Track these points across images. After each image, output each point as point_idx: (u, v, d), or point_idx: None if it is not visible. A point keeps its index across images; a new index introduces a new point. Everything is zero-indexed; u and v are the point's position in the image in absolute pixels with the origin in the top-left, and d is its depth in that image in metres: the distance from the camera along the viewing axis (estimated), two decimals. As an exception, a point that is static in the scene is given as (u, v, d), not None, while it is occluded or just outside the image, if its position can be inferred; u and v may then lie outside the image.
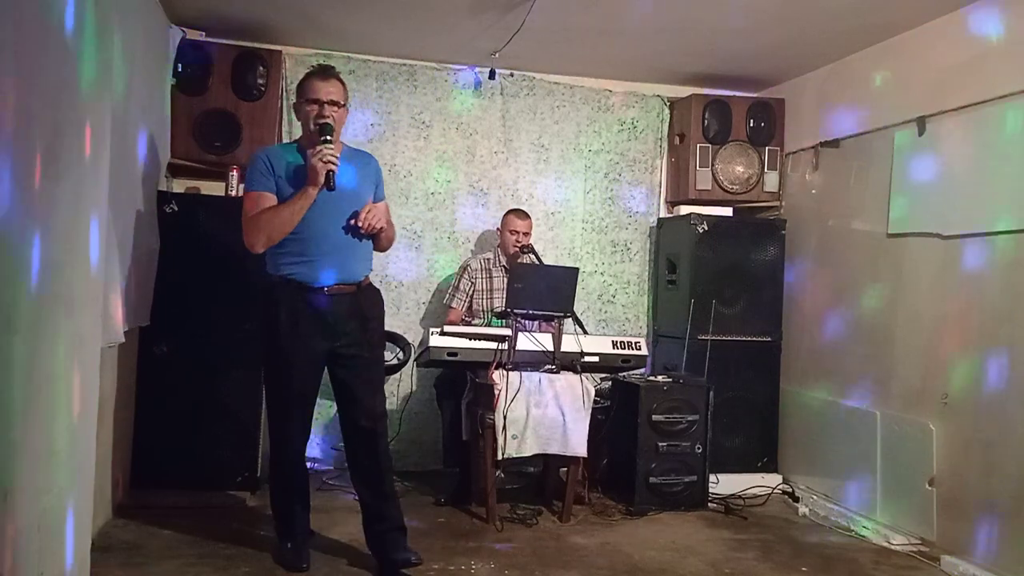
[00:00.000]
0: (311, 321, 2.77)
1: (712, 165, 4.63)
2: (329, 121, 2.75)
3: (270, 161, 2.82)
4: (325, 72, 2.87)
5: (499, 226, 4.33)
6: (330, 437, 4.45)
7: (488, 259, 4.27)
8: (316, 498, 3.83)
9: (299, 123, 4.26)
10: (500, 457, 3.52)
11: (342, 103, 2.85)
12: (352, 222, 2.80)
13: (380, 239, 2.93)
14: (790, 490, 4.33)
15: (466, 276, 4.22)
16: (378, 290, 3.01)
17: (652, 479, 3.91)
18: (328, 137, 2.70)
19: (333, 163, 2.66)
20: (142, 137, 3.41)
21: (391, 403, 2.88)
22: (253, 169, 2.82)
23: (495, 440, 3.51)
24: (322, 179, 2.65)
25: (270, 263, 2.85)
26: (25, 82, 1.64)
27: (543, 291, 3.72)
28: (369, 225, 2.78)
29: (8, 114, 1.57)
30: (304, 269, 2.78)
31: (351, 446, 2.96)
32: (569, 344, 3.75)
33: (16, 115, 1.60)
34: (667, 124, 4.94)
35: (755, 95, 4.85)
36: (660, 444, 3.92)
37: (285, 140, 4.43)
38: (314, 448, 4.44)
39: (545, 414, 3.59)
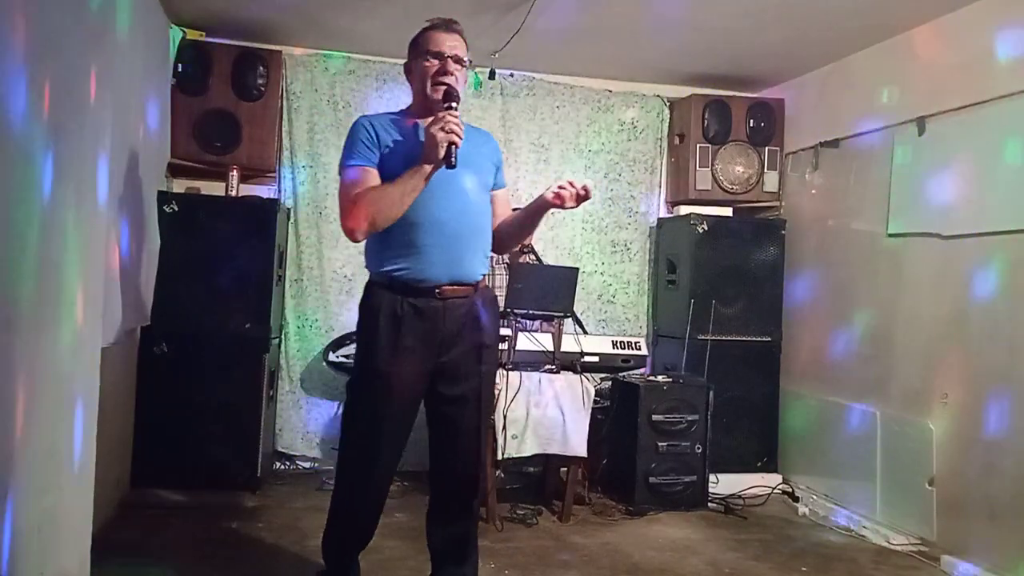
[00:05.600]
0: (416, 330, 2.28)
1: (712, 165, 4.63)
2: (454, 84, 2.28)
3: (374, 129, 2.31)
4: (447, 23, 2.35)
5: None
6: (329, 437, 4.46)
7: (491, 256, 4.27)
8: (316, 498, 3.87)
9: (299, 123, 4.44)
10: (500, 457, 3.52)
11: (467, 62, 2.36)
12: (556, 193, 2.28)
13: (514, 234, 2.50)
14: (790, 490, 4.33)
15: None
16: (495, 296, 2.53)
17: (652, 479, 3.91)
18: (453, 104, 2.22)
19: (457, 134, 2.15)
20: (142, 137, 3.41)
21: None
22: (354, 139, 2.30)
23: (495, 440, 3.51)
24: (442, 153, 2.14)
25: (371, 258, 2.37)
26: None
27: (543, 291, 3.72)
28: (576, 196, 2.28)
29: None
30: (412, 264, 2.28)
31: (439, 489, 2.50)
32: (569, 344, 3.75)
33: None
34: (667, 124, 4.94)
35: (755, 95, 4.85)
36: (660, 444, 3.92)
37: (285, 141, 4.45)
38: (314, 448, 4.45)
39: (545, 414, 3.59)
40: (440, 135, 2.14)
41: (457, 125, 2.16)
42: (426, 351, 2.31)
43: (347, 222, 2.25)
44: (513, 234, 2.52)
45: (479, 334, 2.37)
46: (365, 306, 2.36)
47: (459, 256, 2.32)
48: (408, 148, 2.28)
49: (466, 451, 2.44)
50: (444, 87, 2.27)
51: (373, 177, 2.27)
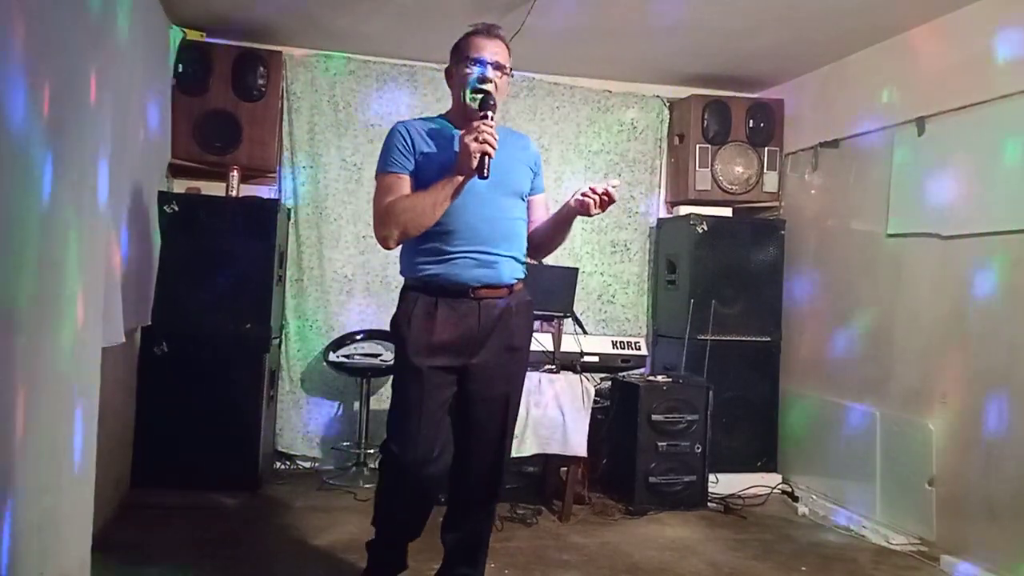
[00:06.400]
0: (450, 329, 2.30)
1: (712, 165, 4.63)
2: (491, 91, 2.25)
3: (410, 136, 2.32)
4: (488, 29, 2.33)
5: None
6: (330, 437, 4.46)
7: None
8: (316, 498, 3.87)
9: (299, 124, 4.44)
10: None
11: (509, 69, 2.34)
12: (580, 200, 2.28)
13: (546, 241, 2.48)
14: (789, 490, 4.33)
15: None
16: (531, 300, 2.50)
17: (652, 479, 3.91)
18: (489, 112, 2.19)
19: (491, 145, 2.13)
20: (142, 137, 3.41)
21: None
22: (389, 145, 2.33)
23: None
24: (475, 164, 2.13)
25: (405, 263, 2.40)
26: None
27: (543, 291, 3.72)
28: (601, 202, 2.26)
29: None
30: (445, 269, 2.29)
31: (457, 490, 2.52)
32: (569, 344, 3.76)
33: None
34: (667, 124, 4.93)
35: (754, 95, 4.85)
36: (660, 444, 3.92)
37: (285, 141, 4.46)
38: (314, 448, 4.45)
39: (545, 414, 3.59)
40: (473, 145, 2.12)
41: (492, 135, 2.13)
42: (458, 350, 2.32)
43: (380, 230, 2.28)
44: (545, 241, 2.51)
45: (510, 336, 2.37)
46: (401, 306, 2.38)
47: (492, 262, 2.32)
48: (444, 156, 2.27)
49: (489, 455, 2.43)
50: (482, 95, 2.26)
51: (407, 185, 2.29)
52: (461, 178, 2.19)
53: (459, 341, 2.31)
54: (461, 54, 2.35)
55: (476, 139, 2.12)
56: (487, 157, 2.14)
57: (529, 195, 2.48)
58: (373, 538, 2.59)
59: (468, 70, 2.30)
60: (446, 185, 2.19)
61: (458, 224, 2.27)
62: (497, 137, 2.16)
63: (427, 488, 2.42)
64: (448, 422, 2.41)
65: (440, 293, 2.30)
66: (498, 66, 2.30)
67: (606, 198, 2.28)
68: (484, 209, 2.30)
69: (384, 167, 2.33)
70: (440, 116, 2.46)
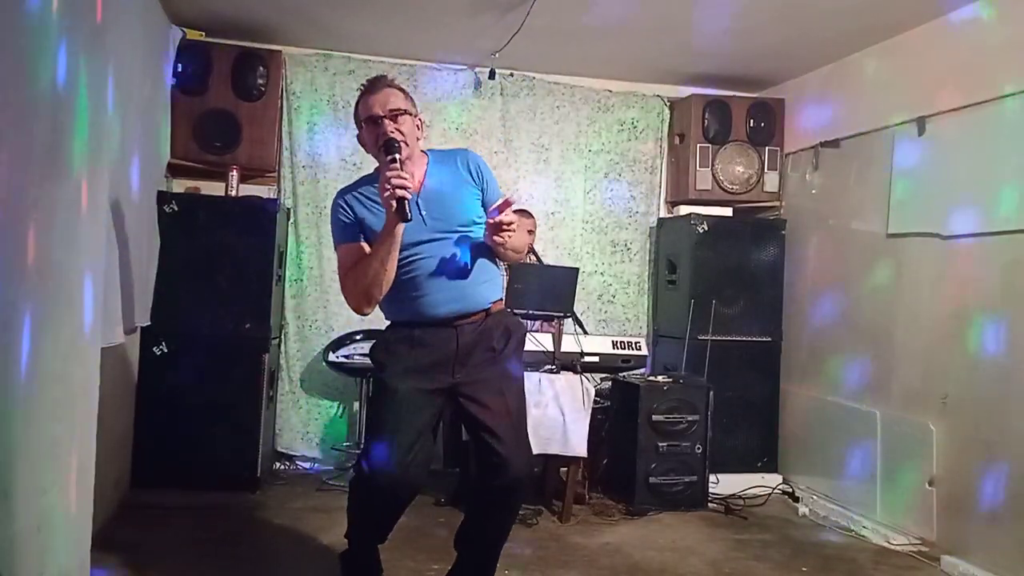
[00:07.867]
0: (428, 353, 2.35)
1: (712, 165, 4.62)
2: (394, 136, 2.26)
3: (348, 205, 2.37)
4: (373, 85, 2.37)
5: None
6: (329, 437, 4.46)
7: None
8: (316, 498, 3.87)
9: (299, 123, 4.44)
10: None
11: (406, 110, 2.34)
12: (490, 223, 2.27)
13: (505, 250, 2.39)
14: (790, 490, 4.33)
15: None
16: (515, 317, 2.55)
17: (652, 479, 3.91)
18: (395, 156, 2.21)
19: (403, 188, 2.14)
20: (142, 137, 3.41)
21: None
22: (334, 220, 2.40)
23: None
24: (394, 208, 2.15)
25: (384, 310, 2.45)
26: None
27: (543, 291, 3.72)
28: (503, 233, 2.25)
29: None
30: (420, 308, 2.35)
31: (476, 500, 2.54)
32: (569, 344, 3.75)
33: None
34: (667, 124, 4.93)
35: (755, 95, 4.85)
36: (660, 444, 3.92)
37: (285, 141, 4.46)
38: (314, 448, 4.45)
39: (545, 414, 3.59)
40: (385, 195, 2.16)
41: (399, 177, 2.16)
42: (439, 370, 2.36)
43: (349, 302, 2.35)
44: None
45: (493, 342, 2.40)
46: (380, 334, 2.49)
47: (461, 294, 2.36)
48: (384, 213, 2.29)
49: (509, 456, 2.37)
50: (383, 143, 2.27)
51: (358, 253, 2.33)
52: (391, 227, 2.21)
53: (440, 362, 2.35)
54: (358, 120, 2.38)
55: (385, 188, 2.16)
56: (405, 201, 2.16)
57: (487, 205, 2.44)
58: (347, 549, 2.60)
59: (369, 132, 2.33)
60: (383, 242, 2.24)
61: (417, 271, 2.33)
62: (406, 176, 2.18)
63: (397, 504, 2.45)
64: (428, 442, 2.42)
65: (418, 324, 2.37)
66: (392, 114, 2.30)
67: (500, 228, 2.26)
68: (438, 252, 2.33)
69: (335, 241, 2.41)
70: (377, 172, 2.42)
